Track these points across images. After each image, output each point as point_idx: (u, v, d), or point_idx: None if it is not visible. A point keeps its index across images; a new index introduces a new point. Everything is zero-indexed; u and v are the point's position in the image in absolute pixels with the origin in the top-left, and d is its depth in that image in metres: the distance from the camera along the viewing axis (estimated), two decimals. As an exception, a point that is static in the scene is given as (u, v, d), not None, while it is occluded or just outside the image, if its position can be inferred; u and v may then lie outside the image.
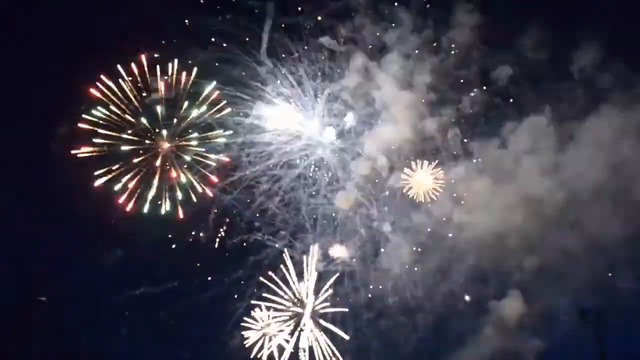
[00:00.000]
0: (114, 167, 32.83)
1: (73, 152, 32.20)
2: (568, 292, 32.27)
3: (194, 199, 34.15)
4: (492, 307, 35.19)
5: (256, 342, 33.84)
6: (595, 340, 28.68)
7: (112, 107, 32.81)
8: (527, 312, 34.12)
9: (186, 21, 34.13)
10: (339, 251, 35.07)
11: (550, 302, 33.27)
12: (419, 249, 35.07)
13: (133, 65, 32.79)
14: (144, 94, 33.23)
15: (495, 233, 32.76)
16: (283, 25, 36.18)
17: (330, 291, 34.58)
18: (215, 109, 34.21)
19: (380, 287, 34.59)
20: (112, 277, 34.37)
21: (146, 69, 33.08)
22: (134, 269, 34.93)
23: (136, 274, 34.32)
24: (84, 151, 32.36)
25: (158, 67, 33.16)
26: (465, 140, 36.30)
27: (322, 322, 34.63)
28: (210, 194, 34.51)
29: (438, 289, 34.19)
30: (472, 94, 36.08)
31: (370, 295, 34.64)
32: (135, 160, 33.41)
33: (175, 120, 33.98)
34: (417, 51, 37.86)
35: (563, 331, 33.65)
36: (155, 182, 33.60)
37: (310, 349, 34.41)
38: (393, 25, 37.81)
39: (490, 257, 33.27)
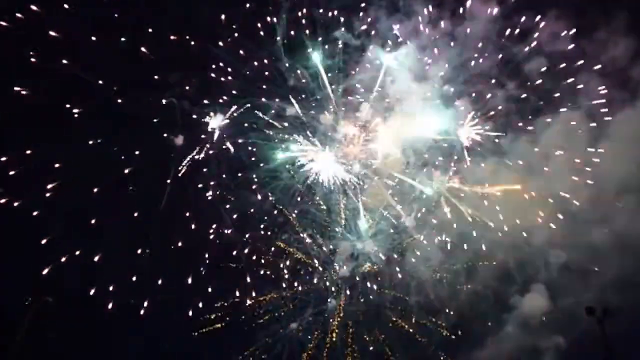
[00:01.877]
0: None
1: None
2: (593, 289, 31.65)
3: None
4: (515, 303, 34.88)
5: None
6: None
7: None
8: (551, 308, 33.68)
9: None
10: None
11: (575, 299, 32.60)
12: (447, 248, 34.49)
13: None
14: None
15: (522, 230, 32.16)
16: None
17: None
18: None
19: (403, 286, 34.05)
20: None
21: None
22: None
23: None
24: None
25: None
26: (485, 134, 35.86)
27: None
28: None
29: (462, 288, 33.61)
30: (496, 88, 35.22)
31: (393, 295, 34.10)
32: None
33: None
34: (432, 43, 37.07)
35: (586, 328, 32.94)
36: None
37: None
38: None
39: (516, 254, 32.73)
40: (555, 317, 33.75)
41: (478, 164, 34.98)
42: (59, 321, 28.97)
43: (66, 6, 29.60)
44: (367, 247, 34.54)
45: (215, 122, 34.97)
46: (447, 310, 34.37)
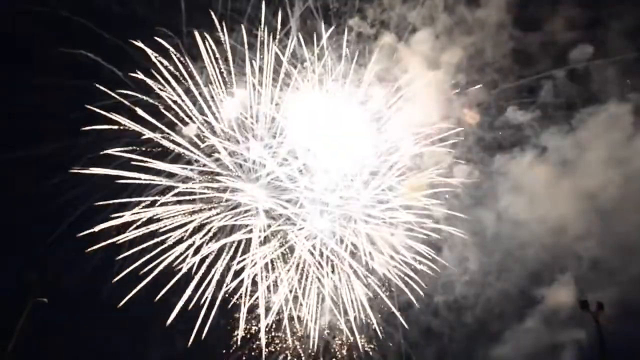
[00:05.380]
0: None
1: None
2: (620, 285, 31.01)
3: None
4: (540, 297, 34.27)
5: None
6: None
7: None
8: (575, 303, 33.01)
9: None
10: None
11: (600, 294, 31.94)
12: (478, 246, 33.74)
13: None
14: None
15: (554, 225, 31.39)
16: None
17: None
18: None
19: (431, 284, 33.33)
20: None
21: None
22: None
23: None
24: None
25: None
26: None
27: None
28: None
29: (490, 288, 32.93)
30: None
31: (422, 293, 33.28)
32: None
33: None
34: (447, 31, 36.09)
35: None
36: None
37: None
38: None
39: (547, 248, 32.03)
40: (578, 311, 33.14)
41: (516, 157, 34.22)
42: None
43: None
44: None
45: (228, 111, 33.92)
46: (473, 307, 33.53)
